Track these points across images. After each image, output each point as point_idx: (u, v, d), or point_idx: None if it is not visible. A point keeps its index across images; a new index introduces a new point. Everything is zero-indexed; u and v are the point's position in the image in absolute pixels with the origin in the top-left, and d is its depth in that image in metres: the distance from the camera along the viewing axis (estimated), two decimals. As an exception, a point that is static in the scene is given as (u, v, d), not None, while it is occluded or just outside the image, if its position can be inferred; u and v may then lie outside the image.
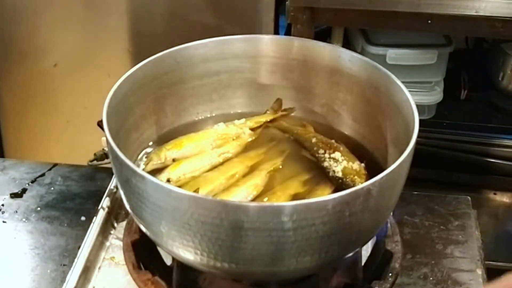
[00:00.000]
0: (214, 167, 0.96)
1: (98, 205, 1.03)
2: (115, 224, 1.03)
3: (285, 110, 1.05)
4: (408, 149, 0.78)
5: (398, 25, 1.45)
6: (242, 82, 1.05)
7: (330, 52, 0.99)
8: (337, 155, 0.94)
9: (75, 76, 1.81)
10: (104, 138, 0.94)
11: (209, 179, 0.92)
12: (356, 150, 0.97)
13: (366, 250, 0.96)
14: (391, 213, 0.87)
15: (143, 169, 0.93)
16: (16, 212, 1.09)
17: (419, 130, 0.81)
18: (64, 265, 0.99)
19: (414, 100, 0.85)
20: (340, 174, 0.92)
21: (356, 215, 0.74)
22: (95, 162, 1.17)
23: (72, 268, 0.93)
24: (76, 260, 0.94)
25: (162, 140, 1.00)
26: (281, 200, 0.88)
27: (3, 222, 1.07)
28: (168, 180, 0.92)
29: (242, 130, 1.02)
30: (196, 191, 0.88)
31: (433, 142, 1.67)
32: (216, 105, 1.06)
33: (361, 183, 0.74)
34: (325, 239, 0.74)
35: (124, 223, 1.00)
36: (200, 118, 1.05)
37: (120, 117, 0.89)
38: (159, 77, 0.97)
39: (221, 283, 0.88)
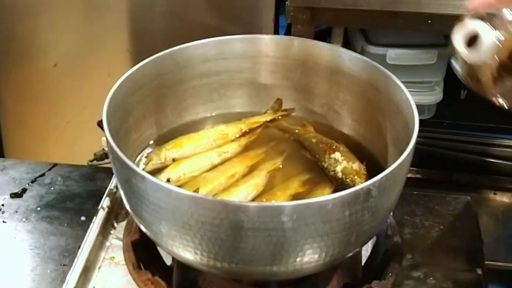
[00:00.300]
0: (214, 167, 0.96)
1: (98, 205, 1.03)
2: (115, 224, 1.03)
3: (285, 110, 1.05)
4: (408, 149, 0.78)
5: (398, 25, 1.45)
6: (242, 82, 1.05)
7: (330, 52, 0.99)
8: (337, 155, 0.94)
9: (75, 76, 1.81)
10: (104, 138, 0.94)
11: (209, 179, 0.92)
12: (356, 150, 0.98)
13: (366, 250, 0.96)
14: (391, 213, 0.87)
15: (143, 169, 0.94)
16: (16, 212, 1.09)
17: (419, 130, 0.81)
18: (64, 265, 0.99)
19: (414, 100, 0.85)
20: (340, 174, 0.92)
21: (356, 215, 0.74)
22: (95, 162, 1.17)
23: (72, 268, 0.93)
24: (76, 260, 0.94)
25: (162, 140, 1.00)
26: (281, 200, 0.88)
27: (3, 222, 1.07)
28: (168, 180, 0.92)
29: (242, 130, 1.02)
30: (196, 191, 0.88)
31: (433, 142, 1.67)
32: (216, 105, 1.06)
33: (361, 183, 0.74)
34: (325, 239, 0.74)
35: (124, 223, 1.00)
36: (200, 118, 1.05)
37: (120, 117, 0.89)
38: (159, 77, 0.97)
39: (221, 283, 0.88)
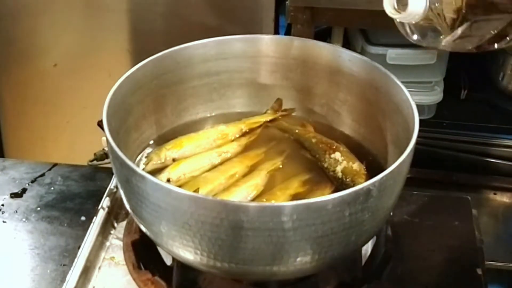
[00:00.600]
0: (214, 167, 0.96)
1: (98, 205, 1.03)
2: (115, 224, 1.03)
3: (285, 110, 1.05)
4: (408, 149, 0.78)
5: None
6: (242, 82, 1.05)
7: (330, 52, 0.99)
8: (337, 155, 0.95)
9: (75, 76, 1.81)
10: (104, 138, 0.94)
11: (209, 179, 0.92)
12: (356, 150, 0.98)
13: (366, 250, 0.96)
14: (391, 213, 0.87)
15: (143, 169, 0.94)
16: (16, 212, 1.09)
17: (419, 130, 0.81)
18: (64, 265, 0.99)
19: (414, 100, 0.85)
20: (340, 174, 0.92)
21: (356, 215, 0.74)
22: (95, 162, 1.17)
23: (72, 268, 0.93)
24: (76, 260, 0.94)
25: (162, 140, 1.00)
26: (281, 200, 0.88)
27: (3, 222, 1.07)
28: (168, 180, 0.92)
29: (242, 130, 1.02)
30: (196, 191, 0.88)
31: (433, 142, 1.66)
32: (216, 105, 1.06)
33: (361, 183, 0.74)
34: (325, 239, 0.74)
35: (124, 223, 1.00)
36: (200, 118, 1.05)
37: (120, 117, 0.89)
38: (159, 77, 0.97)
39: (221, 283, 0.88)
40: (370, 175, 0.85)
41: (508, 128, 1.70)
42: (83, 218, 1.07)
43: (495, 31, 0.78)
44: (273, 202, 0.86)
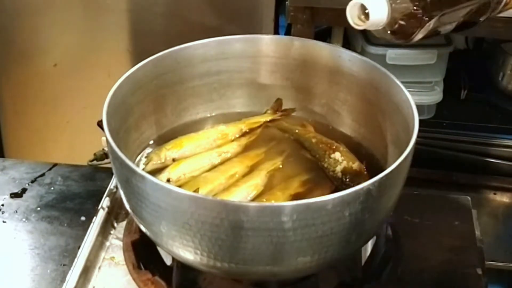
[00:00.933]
0: (214, 167, 0.96)
1: (98, 205, 1.03)
2: (115, 224, 1.03)
3: (285, 110, 1.05)
4: (408, 149, 0.78)
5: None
6: (242, 82, 1.05)
7: (330, 52, 0.99)
8: (337, 155, 0.94)
9: (75, 76, 1.81)
10: (104, 138, 0.94)
11: (209, 179, 0.92)
12: (356, 150, 0.97)
13: (366, 250, 0.96)
14: (391, 213, 0.87)
15: (143, 169, 0.94)
16: (16, 212, 1.09)
17: (419, 130, 0.81)
18: (64, 265, 0.99)
19: (414, 100, 0.85)
20: (340, 174, 0.92)
21: (356, 215, 0.74)
22: (95, 162, 1.17)
23: (72, 268, 0.93)
24: (76, 260, 0.94)
25: (162, 140, 1.00)
26: (281, 200, 0.88)
27: (3, 222, 1.07)
28: (168, 180, 0.92)
29: (242, 130, 1.02)
30: (196, 191, 0.88)
31: (433, 142, 1.67)
32: (216, 105, 1.06)
33: (361, 183, 0.74)
34: (325, 239, 0.74)
35: (124, 223, 1.00)
36: (200, 118, 1.05)
37: (120, 117, 0.89)
38: (159, 77, 0.97)
39: (221, 283, 0.88)
40: (370, 175, 0.85)
41: (508, 128, 1.70)
42: (83, 218, 1.07)
43: (468, 15, 0.79)
44: (273, 202, 0.86)
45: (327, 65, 0.99)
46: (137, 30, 1.75)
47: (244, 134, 1.02)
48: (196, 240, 0.75)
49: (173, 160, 0.96)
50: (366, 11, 0.75)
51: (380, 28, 0.76)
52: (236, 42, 1.01)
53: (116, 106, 0.87)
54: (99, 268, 0.96)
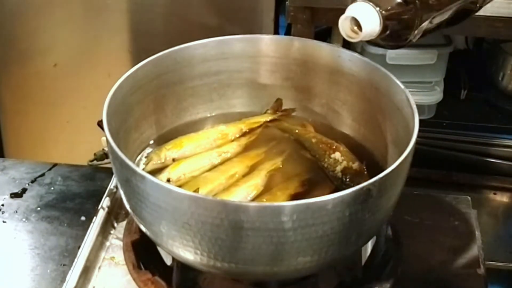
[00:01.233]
0: (214, 167, 0.96)
1: (98, 205, 1.03)
2: (115, 224, 1.03)
3: (285, 110, 1.05)
4: (408, 149, 0.78)
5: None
6: (242, 82, 1.05)
7: (330, 52, 0.99)
8: (337, 155, 0.94)
9: (75, 76, 1.81)
10: (104, 138, 0.94)
11: (209, 179, 0.92)
12: (356, 150, 0.97)
13: (366, 250, 0.96)
14: (391, 213, 0.87)
15: (143, 169, 0.94)
16: (16, 212, 1.09)
17: (419, 130, 0.81)
18: (64, 265, 0.99)
19: (414, 100, 0.85)
20: (340, 174, 0.92)
21: (356, 215, 0.74)
22: (95, 162, 1.17)
23: (72, 268, 0.93)
24: (76, 260, 0.94)
25: (162, 140, 1.00)
26: (280, 200, 0.88)
27: (3, 222, 1.07)
28: (168, 180, 0.92)
29: (242, 130, 1.02)
30: (196, 191, 0.88)
31: (433, 142, 1.67)
32: (216, 105, 1.06)
33: (361, 183, 0.74)
34: (325, 239, 0.74)
35: (124, 223, 1.00)
36: (200, 118, 1.05)
37: (120, 117, 0.89)
38: (159, 77, 0.97)
39: (221, 283, 0.88)
40: (370, 175, 0.85)
41: (508, 128, 1.70)
42: (83, 218, 1.07)
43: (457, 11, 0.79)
44: (273, 202, 0.86)
45: (327, 65, 0.99)
46: (137, 30, 1.75)
47: (244, 134, 1.02)
48: (196, 240, 0.75)
49: (173, 160, 0.96)
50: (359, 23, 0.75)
51: (374, 37, 0.76)
52: (236, 42, 1.01)
53: (116, 106, 0.87)
54: (99, 268, 0.96)
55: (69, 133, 1.89)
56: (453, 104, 1.77)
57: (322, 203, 0.72)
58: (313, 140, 0.99)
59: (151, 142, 1.00)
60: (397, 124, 0.89)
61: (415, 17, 0.75)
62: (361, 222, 0.76)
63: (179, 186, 0.88)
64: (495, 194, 1.67)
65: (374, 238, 0.94)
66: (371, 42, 0.80)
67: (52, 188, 1.14)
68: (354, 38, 0.78)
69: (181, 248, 0.77)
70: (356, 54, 0.97)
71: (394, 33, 0.77)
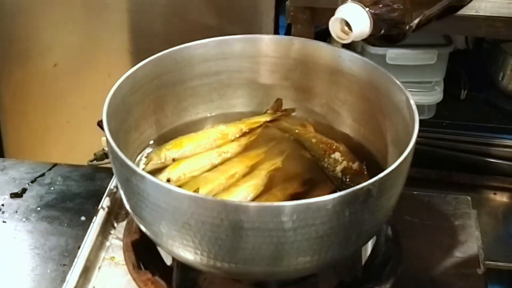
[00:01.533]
0: (214, 167, 0.96)
1: (98, 205, 1.03)
2: (115, 224, 1.03)
3: (285, 110, 1.05)
4: (408, 149, 0.78)
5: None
6: (242, 82, 1.05)
7: (330, 52, 0.99)
8: (337, 155, 0.94)
9: (75, 76, 1.81)
10: (104, 138, 0.94)
11: (209, 179, 0.92)
12: (356, 150, 0.97)
13: (366, 250, 0.96)
14: (391, 213, 0.87)
15: (143, 169, 0.94)
16: (16, 212, 1.09)
17: (419, 130, 0.81)
18: (64, 265, 0.99)
19: (414, 100, 0.85)
20: (340, 174, 0.92)
21: (356, 215, 0.74)
22: (95, 162, 1.17)
23: (72, 268, 0.93)
24: (76, 260, 0.94)
25: (162, 140, 1.00)
26: (280, 200, 0.88)
27: (3, 222, 1.07)
28: (168, 180, 0.92)
29: (242, 130, 1.02)
30: (196, 191, 0.88)
31: (433, 142, 1.67)
32: (216, 105, 1.06)
33: (361, 183, 0.74)
34: (325, 239, 0.74)
35: (124, 223, 1.00)
36: (200, 118, 1.05)
37: (120, 117, 0.89)
38: (159, 77, 0.97)
39: (221, 283, 0.88)
40: (370, 175, 0.85)
41: (508, 128, 1.70)
42: (83, 218, 1.07)
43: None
44: (273, 202, 0.86)
45: (327, 65, 0.99)
46: (137, 30, 1.75)
47: (244, 134, 1.02)
48: (196, 240, 0.74)
49: (173, 160, 0.96)
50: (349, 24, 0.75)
51: (365, 37, 0.77)
52: (236, 42, 1.01)
53: (116, 106, 0.87)
54: (99, 268, 0.96)
55: (69, 133, 1.89)
56: (453, 104, 1.77)
57: (322, 203, 0.72)
58: (313, 140, 0.99)
59: (151, 142, 1.00)
60: (397, 124, 0.89)
61: (405, 15, 0.75)
62: (361, 222, 0.76)
63: (179, 186, 0.88)
64: (495, 194, 1.67)
65: (374, 238, 0.94)
66: (367, 41, 0.80)
67: (52, 188, 1.14)
68: (345, 40, 0.78)
69: (181, 248, 0.77)
70: (356, 54, 0.97)
71: (386, 31, 0.77)
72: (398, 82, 0.89)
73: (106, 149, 1.14)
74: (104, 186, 1.08)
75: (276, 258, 0.75)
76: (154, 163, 0.95)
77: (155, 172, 0.94)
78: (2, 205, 1.11)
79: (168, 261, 0.94)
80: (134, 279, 0.89)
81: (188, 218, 0.73)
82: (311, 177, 0.94)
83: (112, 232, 1.02)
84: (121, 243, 0.97)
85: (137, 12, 1.73)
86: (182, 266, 0.86)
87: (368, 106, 0.97)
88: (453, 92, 1.78)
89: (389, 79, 0.91)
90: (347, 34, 0.77)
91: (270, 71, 1.04)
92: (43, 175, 1.18)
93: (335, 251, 0.77)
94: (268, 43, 1.02)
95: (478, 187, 1.66)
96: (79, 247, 0.97)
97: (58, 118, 1.87)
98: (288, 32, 1.64)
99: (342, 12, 0.76)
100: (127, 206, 0.84)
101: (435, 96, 1.69)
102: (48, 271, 0.98)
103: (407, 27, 0.77)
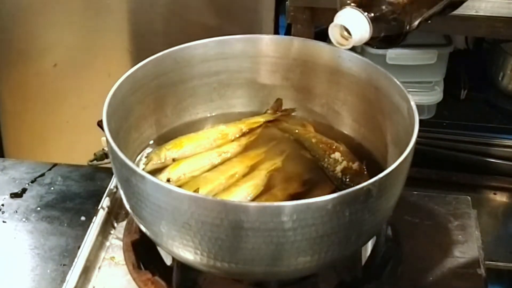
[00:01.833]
0: (214, 167, 0.96)
1: (98, 205, 1.03)
2: (115, 224, 1.03)
3: (285, 110, 1.05)
4: (408, 149, 0.78)
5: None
6: (242, 82, 1.05)
7: (330, 52, 0.99)
8: (337, 155, 0.95)
9: (75, 76, 1.81)
10: (104, 138, 0.94)
11: (209, 179, 0.92)
12: (356, 150, 0.98)
13: (366, 250, 0.96)
14: (391, 213, 0.87)
15: (143, 169, 0.94)
16: (16, 212, 1.09)
17: (419, 130, 0.81)
18: (64, 265, 0.99)
19: (414, 100, 0.85)
20: (340, 174, 0.92)
21: (356, 215, 0.74)
22: (95, 162, 1.17)
23: (72, 268, 0.93)
24: (76, 260, 0.94)
25: (162, 140, 1.00)
26: (280, 200, 0.88)
27: (3, 222, 1.07)
28: (168, 180, 0.92)
29: (242, 130, 1.02)
30: (196, 191, 0.88)
31: (433, 142, 1.67)
32: (216, 105, 1.06)
33: (361, 183, 0.74)
34: (325, 239, 0.74)
35: (124, 223, 1.00)
36: (200, 118, 1.05)
37: (120, 117, 0.89)
38: (159, 77, 0.97)
39: (221, 283, 0.88)
40: (370, 175, 0.85)
41: (508, 128, 1.70)
42: (83, 218, 1.07)
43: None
44: (273, 202, 0.86)
45: (327, 65, 0.99)
46: (137, 30, 1.75)
47: (244, 134, 1.02)
48: (196, 240, 0.75)
49: (173, 160, 0.96)
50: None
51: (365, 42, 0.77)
52: (236, 42, 1.01)
53: (116, 106, 0.87)
54: (99, 268, 0.96)
55: (69, 133, 1.89)
56: (453, 104, 1.77)
57: (322, 203, 0.72)
58: (313, 140, 0.99)
59: (151, 142, 1.00)
60: (397, 124, 0.89)
61: (404, 18, 0.75)
62: (361, 222, 0.76)
63: (179, 186, 0.88)
64: (495, 194, 1.67)
65: (374, 238, 0.94)
66: (367, 44, 0.80)
67: (52, 188, 1.14)
68: (345, 46, 0.78)
69: (181, 248, 0.77)
70: (356, 54, 0.97)
71: (386, 34, 0.77)
72: (398, 82, 0.89)
73: (106, 149, 1.14)
74: (104, 186, 1.08)
75: (276, 258, 0.75)
76: (154, 163, 0.95)
77: (155, 172, 0.94)
78: (2, 205, 1.11)
79: (168, 261, 0.94)
80: (134, 279, 0.89)
81: (188, 218, 0.73)
82: (311, 177, 0.94)
83: (112, 232, 1.02)
84: (121, 243, 0.97)
85: (137, 12, 1.73)
86: (182, 266, 0.86)
87: (368, 106, 0.97)
88: (453, 92, 1.78)
89: (389, 79, 0.91)
90: (347, 39, 0.77)
91: (270, 71, 1.04)
92: (43, 175, 1.18)
93: (335, 251, 0.77)
94: (268, 43, 1.02)
95: (478, 187, 1.66)
96: (79, 247, 0.97)
97: (58, 118, 1.88)
98: (288, 32, 1.64)
99: (341, 18, 0.76)
100: (127, 206, 0.84)
101: (435, 96, 1.69)
102: (48, 271, 0.98)
103: (407, 29, 0.77)
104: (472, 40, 1.90)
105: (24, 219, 1.08)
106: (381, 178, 0.74)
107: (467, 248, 1.01)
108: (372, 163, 0.95)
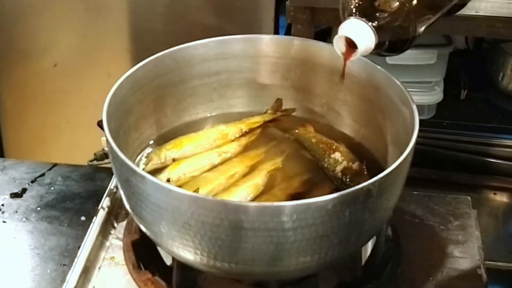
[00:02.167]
0: (214, 167, 0.96)
1: (98, 205, 1.03)
2: (115, 224, 1.03)
3: (285, 110, 1.05)
4: (408, 149, 0.78)
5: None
6: (242, 82, 1.05)
7: (330, 52, 0.99)
8: (337, 155, 0.95)
9: (75, 76, 1.81)
10: (104, 138, 0.94)
11: (209, 179, 0.92)
12: (356, 150, 0.98)
13: (366, 250, 0.96)
14: (391, 213, 0.87)
15: (143, 169, 0.94)
16: (16, 212, 1.09)
17: (419, 130, 0.81)
18: (64, 265, 0.99)
19: (414, 100, 0.85)
20: (340, 174, 0.92)
21: (356, 215, 0.74)
22: (95, 162, 1.17)
23: (72, 268, 0.93)
24: (76, 260, 0.94)
25: (162, 140, 1.00)
26: (280, 200, 0.88)
27: (3, 222, 1.07)
28: (168, 180, 0.92)
29: (242, 130, 1.02)
30: (196, 191, 0.88)
31: (433, 142, 1.67)
32: (216, 105, 1.06)
33: (361, 183, 0.74)
34: (325, 239, 0.74)
35: (124, 223, 1.00)
36: (200, 118, 1.05)
37: (120, 117, 0.89)
38: (159, 77, 0.97)
39: (221, 283, 0.88)
40: (370, 175, 0.85)
41: (508, 128, 1.70)
42: (83, 218, 1.07)
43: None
44: (273, 202, 0.86)
45: (327, 65, 0.99)
46: (137, 30, 1.75)
47: (244, 134, 1.02)
48: (196, 240, 0.75)
49: (173, 160, 0.96)
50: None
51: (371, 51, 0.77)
52: (236, 42, 1.01)
53: (116, 106, 0.87)
54: (99, 268, 0.96)
55: (69, 133, 1.89)
56: (453, 104, 1.77)
57: (322, 203, 0.72)
58: (313, 140, 0.99)
59: (151, 142, 1.00)
60: (397, 124, 0.89)
61: (409, 26, 0.75)
62: (361, 222, 0.76)
63: (179, 186, 0.88)
64: (495, 194, 1.66)
65: (374, 238, 0.94)
66: (373, 53, 0.80)
67: (52, 188, 1.14)
68: (351, 58, 0.78)
69: (181, 248, 0.77)
70: (356, 54, 0.97)
71: (391, 44, 0.77)
72: (398, 82, 0.89)
73: (106, 149, 1.14)
74: (104, 186, 1.08)
75: (276, 258, 0.75)
76: (154, 163, 0.95)
77: (155, 172, 0.94)
78: (2, 205, 1.11)
79: (168, 261, 0.94)
80: (134, 279, 0.89)
81: (188, 218, 0.73)
82: (311, 177, 0.94)
83: (112, 232, 1.02)
84: (121, 243, 0.97)
85: (137, 12, 1.73)
86: (182, 266, 0.86)
87: (368, 106, 0.97)
88: (453, 92, 1.78)
89: (389, 79, 0.91)
90: (353, 50, 0.77)
91: (270, 71, 1.04)
92: (43, 175, 1.18)
93: (335, 251, 0.77)
94: (268, 43, 1.02)
95: (478, 187, 1.66)
96: (79, 247, 0.97)
97: (58, 118, 1.88)
98: (288, 32, 1.64)
99: (346, 29, 0.76)
100: (127, 206, 0.84)
101: (435, 96, 1.69)
102: (48, 271, 0.98)
103: (413, 36, 0.77)
104: (472, 40, 1.90)
105: (24, 219, 1.08)
106: (381, 178, 0.74)
107: (467, 248, 1.01)
108: (372, 163, 0.95)
